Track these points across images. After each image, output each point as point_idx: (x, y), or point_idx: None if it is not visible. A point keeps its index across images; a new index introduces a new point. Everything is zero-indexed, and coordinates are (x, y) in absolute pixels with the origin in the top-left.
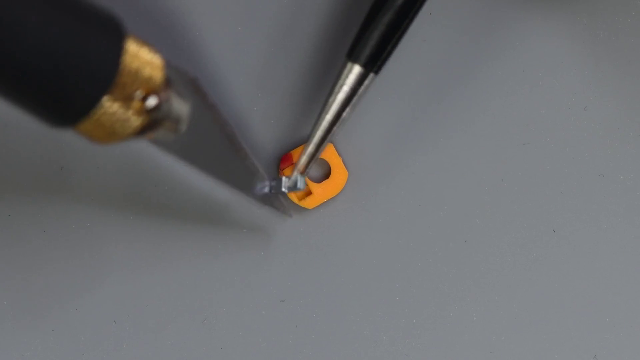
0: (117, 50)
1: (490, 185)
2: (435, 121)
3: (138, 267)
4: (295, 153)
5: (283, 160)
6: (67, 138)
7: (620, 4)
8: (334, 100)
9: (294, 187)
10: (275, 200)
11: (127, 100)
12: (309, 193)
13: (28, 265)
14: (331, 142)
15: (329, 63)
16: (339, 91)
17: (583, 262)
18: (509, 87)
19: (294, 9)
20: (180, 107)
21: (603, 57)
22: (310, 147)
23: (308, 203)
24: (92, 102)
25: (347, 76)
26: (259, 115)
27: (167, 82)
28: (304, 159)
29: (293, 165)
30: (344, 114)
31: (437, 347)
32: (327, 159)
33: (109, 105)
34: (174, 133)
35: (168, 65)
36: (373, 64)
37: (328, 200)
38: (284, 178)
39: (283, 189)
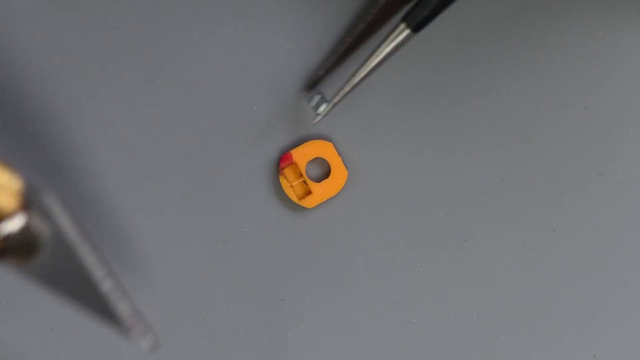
0: None
1: (490, 185)
2: (435, 121)
3: (138, 266)
4: (295, 153)
5: (283, 159)
6: (67, 138)
7: (620, 4)
8: (381, 51)
9: (316, 107)
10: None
11: None
12: (309, 193)
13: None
14: (331, 141)
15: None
16: (387, 45)
17: (583, 261)
18: (509, 86)
19: (293, 8)
20: (38, 232)
21: (603, 57)
22: (352, 81)
23: (308, 202)
24: None
25: (397, 35)
26: (259, 115)
27: (25, 207)
28: (340, 94)
29: (293, 164)
30: (378, 64)
31: (437, 347)
32: (327, 159)
33: None
34: (31, 260)
35: (27, 187)
36: (420, 28)
37: (328, 200)
38: (315, 96)
39: (310, 104)
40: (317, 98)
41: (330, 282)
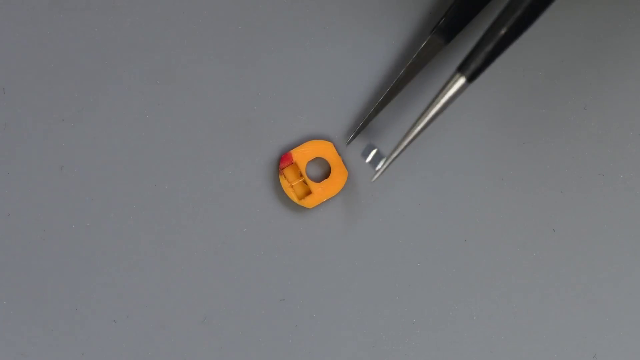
0: None
1: (490, 185)
2: (435, 121)
3: (138, 266)
4: (295, 153)
5: (283, 159)
6: (67, 138)
7: (620, 4)
8: (438, 103)
9: (372, 163)
10: None
11: None
12: (309, 193)
13: (28, 265)
14: (331, 141)
15: (328, 63)
16: (443, 97)
17: (583, 261)
18: (508, 86)
19: (293, 7)
20: None
21: (603, 57)
22: (410, 136)
23: (308, 202)
24: None
25: (453, 86)
26: (259, 115)
27: None
28: (398, 150)
29: (293, 164)
30: (434, 117)
31: (437, 347)
32: (327, 159)
33: None
34: None
35: None
36: (474, 78)
37: (328, 200)
38: (371, 151)
39: (367, 160)
40: (373, 152)
41: (330, 282)
